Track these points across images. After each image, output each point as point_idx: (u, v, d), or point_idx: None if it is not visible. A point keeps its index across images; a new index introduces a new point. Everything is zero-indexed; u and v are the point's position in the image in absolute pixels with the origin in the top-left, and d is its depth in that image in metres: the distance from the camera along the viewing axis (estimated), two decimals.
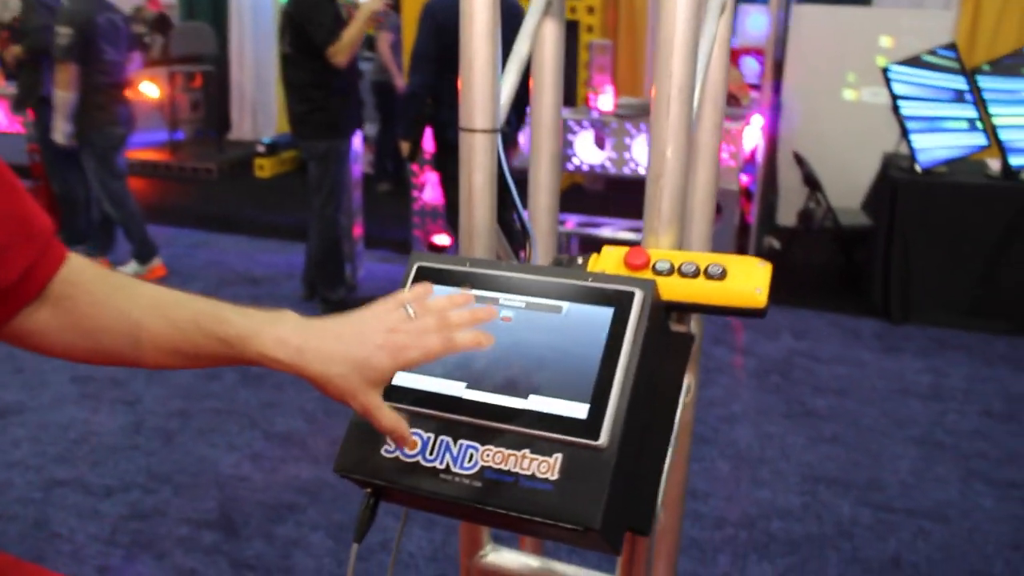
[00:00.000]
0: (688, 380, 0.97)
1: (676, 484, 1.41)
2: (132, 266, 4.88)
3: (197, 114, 8.94)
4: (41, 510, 2.69)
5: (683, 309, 1.02)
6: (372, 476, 0.90)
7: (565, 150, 4.87)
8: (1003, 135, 4.44)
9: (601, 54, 5.85)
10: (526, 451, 0.85)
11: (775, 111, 5.72)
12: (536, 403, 0.87)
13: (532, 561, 1.30)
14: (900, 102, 4.50)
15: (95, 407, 3.37)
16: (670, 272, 1.00)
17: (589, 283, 0.92)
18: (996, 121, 4.46)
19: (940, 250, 4.41)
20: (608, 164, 4.98)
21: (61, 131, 4.53)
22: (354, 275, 4.76)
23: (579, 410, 0.85)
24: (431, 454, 0.88)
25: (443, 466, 0.87)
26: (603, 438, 0.84)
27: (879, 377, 3.81)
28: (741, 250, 5.02)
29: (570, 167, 5.02)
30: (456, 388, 0.89)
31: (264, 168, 7.78)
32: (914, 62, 4.55)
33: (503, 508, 0.84)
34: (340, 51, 3.93)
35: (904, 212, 4.41)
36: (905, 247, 4.43)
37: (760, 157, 5.14)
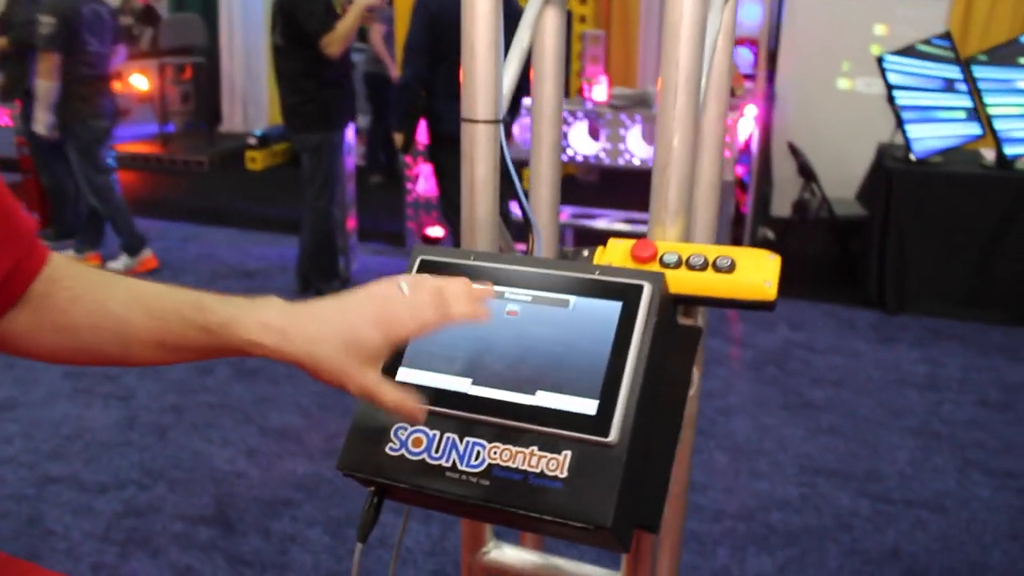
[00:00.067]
0: (694, 374, 0.96)
1: (679, 478, 1.40)
2: (123, 260, 4.85)
3: (187, 106, 8.88)
4: (34, 507, 2.67)
5: (691, 302, 1.00)
6: (376, 475, 0.88)
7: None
8: (998, 124, 4.44)
9: (594, 44, 5.83)
10: (534, 448, 0.84)
11: (769, 101, 5.71)
12: (544, 399, 0.85)
13: (535, 558, 1.29)
14: (895, 92, 4.49)
15: (88, 403, 3.34)
16: (678, 265, 0.98)
17: (596, 276, 0.90)
18: (991, 111, 4.46)
19: (935, 240, 4.41)
20: (603, 155, 4.96)
21: (42, 122, 4.48)
22: (348, 268, 4.74)
23: (588, 406, 0.84)
24: (437, 452, 0.86)
25: (449, 464, 0.85)
26: (613, 435, 0.82)
27: (875, 368, 3.81)
28: (736, 241, 5.01)
29: (564, 158, 5.00)
30: (462, 384, 0.87)
31: (256, 161, 7.73)
32: (909, 52, 4.54)
33: (512, 507, 0.82)
34: (334, 42, 3.90)
35: (899, 202, 4.41)
36: (900, 237, 4.43)
37: (755, 148, 5.13)
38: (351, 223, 4.80)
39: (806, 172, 5.04)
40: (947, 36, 4.61)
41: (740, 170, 5.11)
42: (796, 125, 5.79)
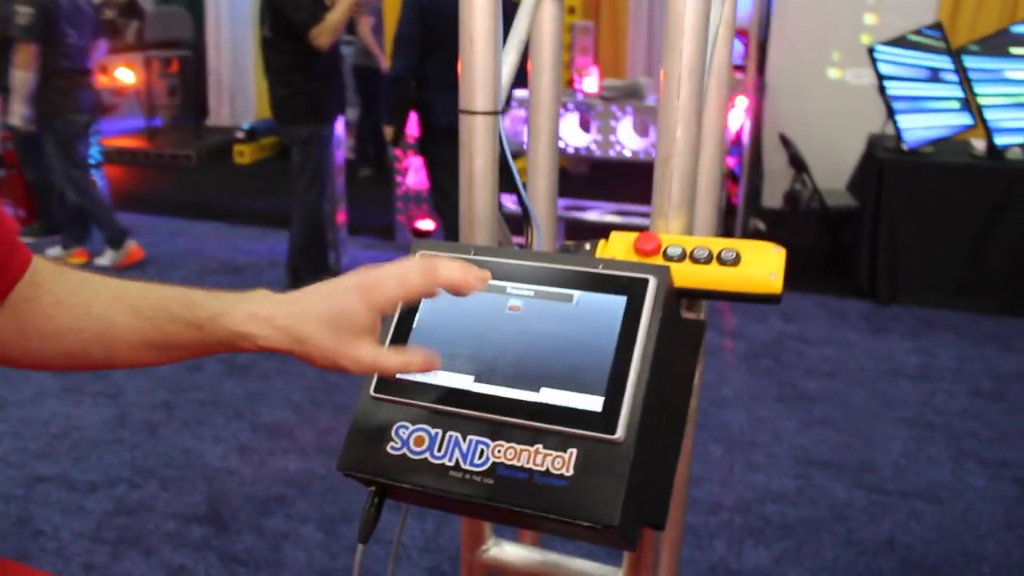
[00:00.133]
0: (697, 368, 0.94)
1: (680, 472, 1.38)
2: (109, 254, 4.79)
3: (174, 100, 8.82)
4: (24, 507, 2.64)
5: (695, 296, 0.99)
6: (377, 475, 0.85)
7: None
8: (988, 115, 4.44)
9: (583, 35, 5.81)
10: (539, 446, 0.82)
11: (759, 92, 5.69)
12: (548, 396, 0.83)
13: (536, 555, 1.27)
14: (886, 82, 4.48)
15: (77, 400, 3.30)
16: (682, 258, 0.97)
17: (600, 270, 0.89)
18: (981, 101, 4.46)
19: (926, 230, 4.41)
20: (594, 147, 4.94)
21: (18, 114, 4.41)
22: (338, 262, 4.71)
23: (593, 403, 0.82)
24: (439, 451, 0.84)
25: (452, 463, 0.83)
26: (620, 432, 0.80)
27: (868, 358, 3.81)
28: (727, 233, 5.00)
29: None
30: (464, 381, 0.86)
31: (244, 154, 7.68)
32: (900, 42, 4.53)
33: (517, 506, 0.80)
34: (322, 34, 3.86)
35: (890, 192, 4.41)
36: (891, 228, 4.43)
37: (745, 139, 5.12)
38: (341, 217, 4.77)
39: (797, 163, 5.03)
40: (938, 26, 4.61)
41: (731, 161, 5.10)
42: (787, 116, 5.79)
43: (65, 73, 4.49)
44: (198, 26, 8.70)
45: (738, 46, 6.09)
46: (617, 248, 1.00)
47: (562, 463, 0.80)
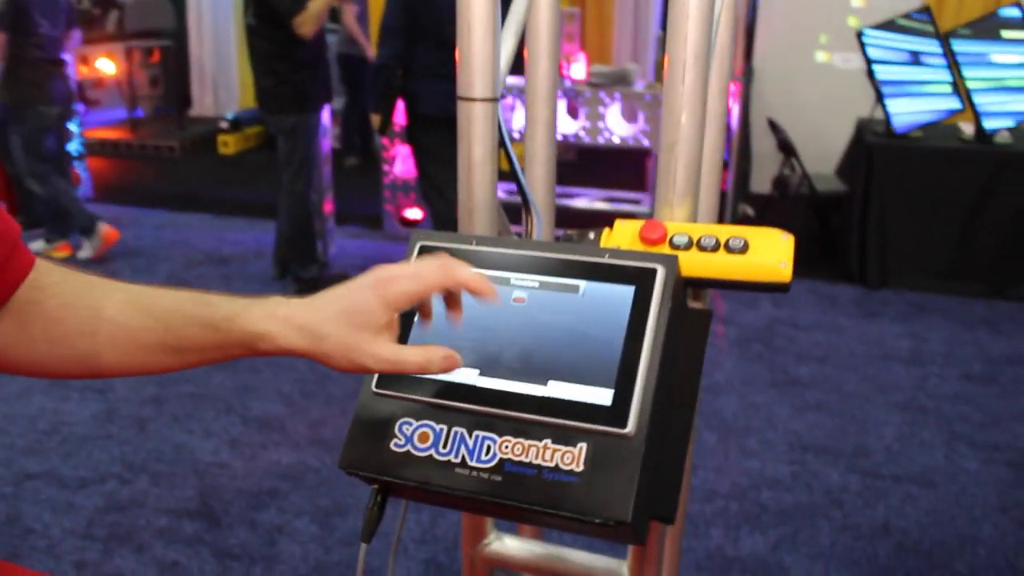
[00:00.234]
0: None
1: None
2: (86, 245, 4.71)
3: (156, 91, 8.73)
4: (13, 505, 2.60)
5: (702, 285, 0.97)
6: (381, 472, 0.83)
7: None
8: (977, 98, 4.44)
9: (569, 22, 5.78)
10: (547, 441, 0.80)
11: (747, 77, 5.68)
12: (556, 389, 0.81)
13: (538, 548, 1.25)
14: (875, 66, 4.47)
15: (64, 396, 3.26)
16: (688, 246, 0.95)
17: (607, 260, 0.86)
18: (970, 84, 4.46)
19: (916, 214, 4.42)
20: (582, 134, 4.92)
21: None
22: (326, 252, 4.67)
23: (603, 396, 0.80)
24: (444, 447, 0.82)
25: (458, 459, 0.81)
26: (630, 425, 0.79)
27: (859, 343, 3.81)
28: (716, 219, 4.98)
29: None
30: (469, 375, 0.84)
31: (228, 145, 7.61)
32: (888, 26, 4.53)
33: (526, 503, 0.78)
34: (306, 22, 3.81)
35: (879, 177, 4.41)
36: (881, 212, 4.43)
37: (734, 124, 5.10)
38: (328, 206, 4.73)
39: (786, 148, 5.02)
40: (926, 10, 4.60)
41: None
42: (775, 101, 5.78)
43: (37, 64, 4.41)
44: (179, 15, 8.59)
45: None
46: (622, 237, 0.98)
47: (572, 458, 0.79)
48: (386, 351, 0.72)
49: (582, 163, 6.66)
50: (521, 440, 0.80)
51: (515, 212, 1.05)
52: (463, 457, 0.81)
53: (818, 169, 5.17)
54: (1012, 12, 4.48)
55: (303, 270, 4.26)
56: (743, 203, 5.56)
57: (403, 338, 0.83)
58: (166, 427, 3.05)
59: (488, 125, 1.04)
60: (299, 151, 4.07)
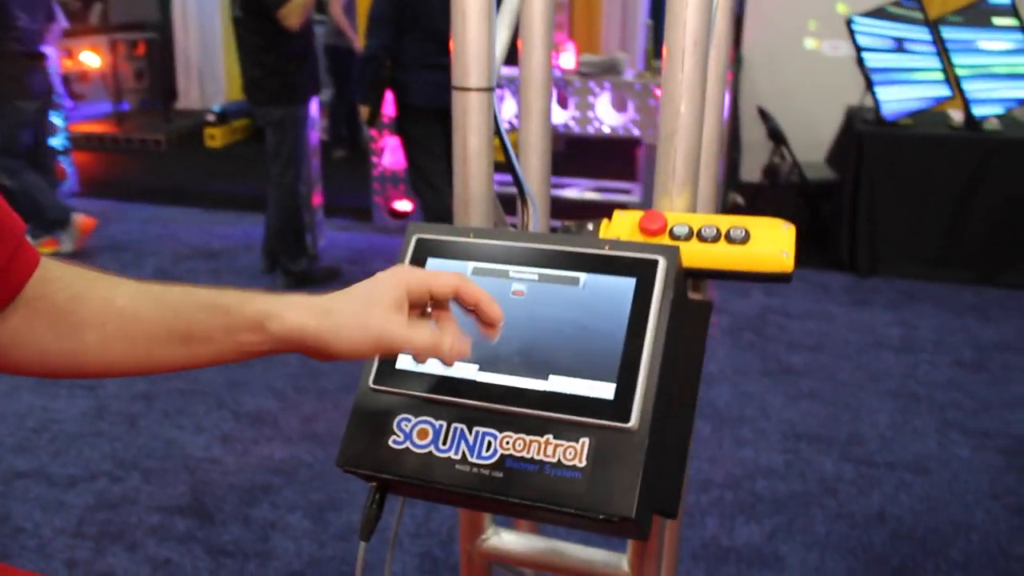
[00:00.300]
0: None
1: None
2: (64, 237, 4.63)
3: (142, 84, 8.65)
4: (2, 504, 2.57)
5: (703, 276, 0.96)
6: (379, 470, 0.82)
7: None
8: (966, 86, 4.44)
9: (558, 11, 5.74)
10: (549, 436, 0.79)
11: (736, 65, 5.67)
12: (557, 384, 0.80)
13: (537, 542, 1.24)
14: (864, 54, 4.47)
15: (53, 393, 3.23)
16: (689, 237, 0.94)
17: (607, 251, 0.85)
18: (959, 72, 4.46)
19: (905, 202, 4.42)
20: (572, 124, 4.90)
21: None
22: (315, 245, 4.64)
23: (605, 390, 0.79)
24: (444, 443, 0.80)
25: (459, 456, 0.80)
26: (634, 420, 0.77)
27: (851, 331, 3.82)
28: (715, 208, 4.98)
29: None
30: (468, 370, 0.82)
31: (215, 138, 7.56)
32: (878, 13, 4.52)
33: (529, 500, 0.77)
34: (291, 13, 3.78)
35: (869, 165, 4.41)
36: (871, 200, 4.43)
37: (724, 112, 5.09)
38: (317, 199, 4.69)
39: (776, 136, 5.02)
40: None
41: None
42: (764, 89, 5.77)
43: (15, 57, 4.34)
44: (164, 7, 8.52)
45: None
46: (621, 228, 0.96)
47: (574, 454, 0.77)
48: (396, 326, 0.71)
49: (572, 153, 6.64)
50: (522, 436, 0.79)
51: (508, 203, 1.04)
52: (463, 453, 0.79)
53: (808, 157, 5.17)
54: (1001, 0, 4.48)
55: (292, 263, 4.24)
56: (733, 192, 5.55)
57: None
58: (157, 423, 3.03)
59: (484, 115, 1.03)
60: (287, 143, 4.04)
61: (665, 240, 0.93)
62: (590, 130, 4.88)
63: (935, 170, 4.37)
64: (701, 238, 0.93)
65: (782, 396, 3.23)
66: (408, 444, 0.81)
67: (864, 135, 4.42)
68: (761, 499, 2.60)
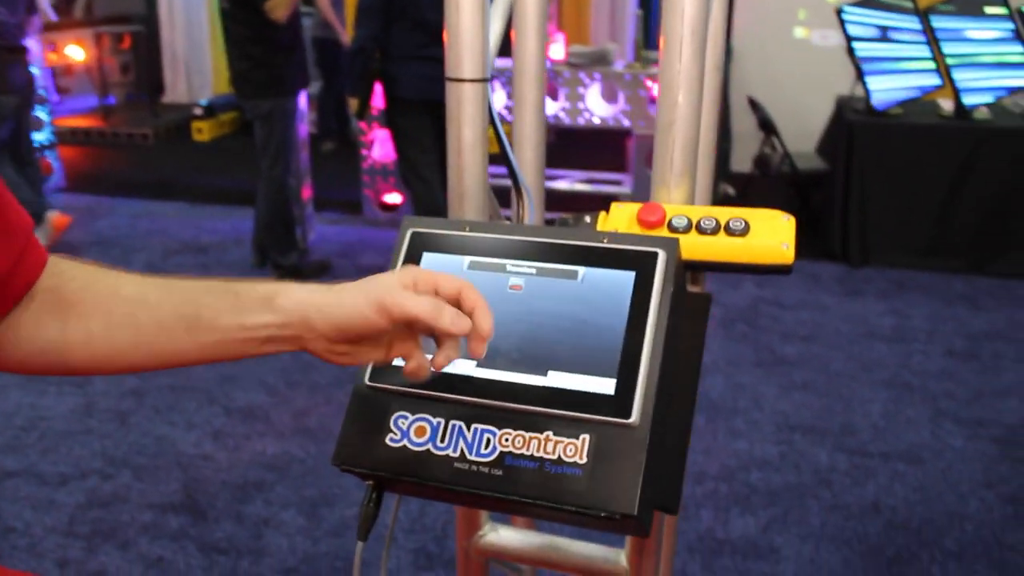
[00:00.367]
0: None
1: None
2: (39, 235, 4.58)
3: (128, 77, 8.57)
4: None
5: (702, 268, 0.95)
6: (376, 468, 0.80)
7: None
8: (956, 74, 4.44)
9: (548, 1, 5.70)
10: (549, 433, 0.77)
11: (726, 55, 5.66)
12: (557, 379, 0.79)
13: (534, 538, 1.23)
14: (854, 43, 4.46)
15: (41, 390, 3.20)
16: (687, 229, 0.92)
17: (606, 244, 0.84)
18: (949, 61, 4.46)
19: (896, 191, 4.42)
20: (562, 115, 4.88)
21: None
22: (305, 238, 4.61)
23: (605, 385, 0.78)
24: (442, 441, 0.79)
25: (457, 454, 0.78)
26: (635, 415, 0.76)
27: (843, 321, 3.82)
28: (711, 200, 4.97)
29: None
30: (466, 366, 0.81)
31: (203, 131, 7.50)
32: (868, 3, 4.51)
33: (529, 498, 0.76)
34: (278, 6, 3.74)
35: (860, 154, 4.41)
36: (862, 190, 4.43)
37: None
38: (306, 192, 4.66)
39: (767, 126, 5.01)
40: None
41: None
42: (754, 79, 5.76)
43: None
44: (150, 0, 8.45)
45: None
46: (619, 220, 0.95)
47: (575, 450, 0.76)
48: (398, 291, 0.69)
49: (562, 145, 6.62)
50: (522, 432, 0.78)
51: (501, 196, 1.02)
52: (462, 451, 0.78)
53: (798, 147, 5.17)
54: None
55: (283, 257, 4.21)
56: (724, 182, 5.55)
57: None
58: (147, 420, 3.00)
59: (478, 106, 1.01)
60: (276, 136, 4.01)
61: (664, 232, 0.92)
62: (580, 121, 4.86)
63: (925, 159, 4.37)
64: (700, 230, 0.92)
65: (775, 387, 3.22)
66: (405, 442, 0.80)
67: (854, 125, 4.42)
68: (756, 491, 2.60)
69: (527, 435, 0.77)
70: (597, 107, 4.83)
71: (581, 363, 0.79)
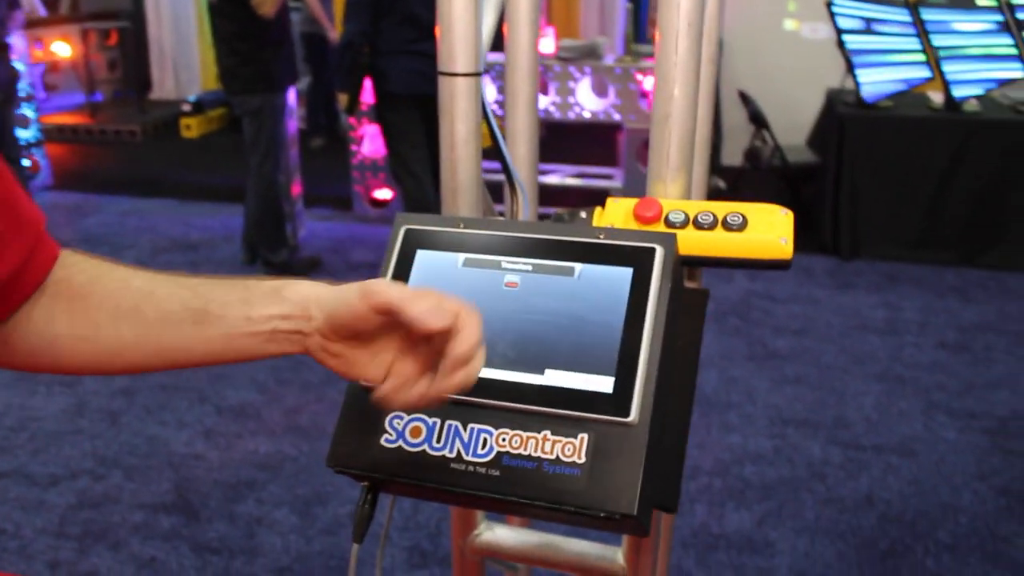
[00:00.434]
0: None
1: None
2: None
3: (115, 74, 8.52)
4: None
5: (700, 264, 0.93)
6: (371, 470, 0.79)
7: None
8: (946, 67, 4.45)
9: None
10: (547, 433, 0.76)
11: (716, 48, 5.65)
12: (554, 378, 0.78)
13: (530, 537, 1.22)
14: (844, 36, 4.46)
15: (31, 390, 3.17)
16: (685, 224, 0.91)
17: (602, 240, 0.83)
18: (939, 53, 4.46)
19: (887, 184, 4.43)
20: (552, 109, 4.87)
21: None
22: (295, 235, 4.59)
23: (604, 384, 0.77)
24: (439, 442, 0.78)
25: (453, 454, 0.77)
26: (633, 414, 0.75)
27: (835, 314, 3.82)
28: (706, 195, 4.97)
29: None
30: None
31: (191, 128, 7.46)
32: None
33: (527, 498, 0.75)
34: (265, 1, 3.72)
35: (850, 147, 4.41)
36: (852, 182, 4.43)
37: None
38: (296, 188, 4.64)
39: (757, 120, 5.01)
40: None
41: None
42: (744, 72, 5.75)
43: None
44: None
45: None
46: (615, 215, 0.94)
47: (573, 450, 0.75)
48: (390, 282, 0.68)
49: (552, 139, 6.61)
50: (519, 432, 0.76)
51: (493, 191, 1.01)
52: (458, 452, 0.77)
53: (789, 140, 5.17)
54: None
55: (273, 254, 4.19)
56: (715, 176, 5.55)
57: None
58: (138, 419, 2.98)
59: (471, 101, 1.00)
60: (265, 132, 3.99)
61: (661, 228, 0.91)
62: (571, 115, 4.85)
63: (916, 152, 4.38)
64: (697, 225, 0.90)
65: (768, 381, 3.22)
66: (401, 443, 0.78)
67: (845, 117, 4.42)
68: (750, 485, 2.59)
69: (524, 435, 0.76)
70: (587, 101, 4.82)
71: (579, 361, 0.78)
